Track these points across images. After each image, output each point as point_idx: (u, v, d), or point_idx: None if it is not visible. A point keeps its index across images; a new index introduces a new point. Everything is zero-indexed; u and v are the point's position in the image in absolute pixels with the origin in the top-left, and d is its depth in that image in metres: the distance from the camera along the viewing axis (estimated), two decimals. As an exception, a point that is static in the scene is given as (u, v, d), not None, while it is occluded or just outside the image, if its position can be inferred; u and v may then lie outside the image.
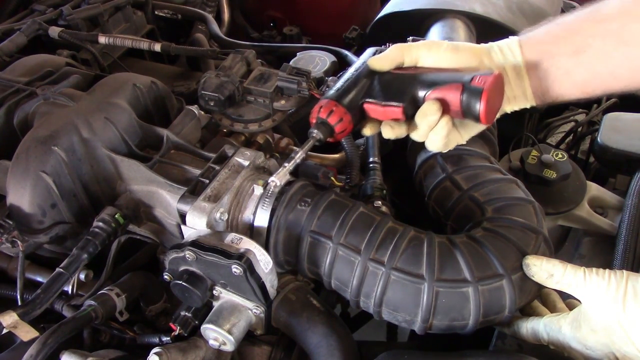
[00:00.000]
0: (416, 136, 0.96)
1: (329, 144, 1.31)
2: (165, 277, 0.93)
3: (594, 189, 1.24)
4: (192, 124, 1.17)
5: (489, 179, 1.01)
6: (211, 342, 0.91)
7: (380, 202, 1.09)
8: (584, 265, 0.80)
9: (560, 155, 1.22)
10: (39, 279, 1.11)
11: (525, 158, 1.22)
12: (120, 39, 1.56)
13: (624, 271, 0.76)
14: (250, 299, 0.91)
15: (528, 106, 0.99)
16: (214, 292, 0.93)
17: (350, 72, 1.00)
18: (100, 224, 1.00)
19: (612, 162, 1.28)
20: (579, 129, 1.67)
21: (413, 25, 1.54)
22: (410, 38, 1.44)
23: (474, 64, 0.94)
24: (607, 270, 0.78)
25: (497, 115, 0.95)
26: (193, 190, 0.95)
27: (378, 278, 0.87)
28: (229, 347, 0.91)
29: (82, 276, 1.06)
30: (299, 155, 0.95)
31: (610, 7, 0.89)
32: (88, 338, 1.03)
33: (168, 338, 0.96)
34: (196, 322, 0.94)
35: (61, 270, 0.96)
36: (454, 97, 0.88)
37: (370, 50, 1.05)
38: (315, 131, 0.96)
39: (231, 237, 0.89)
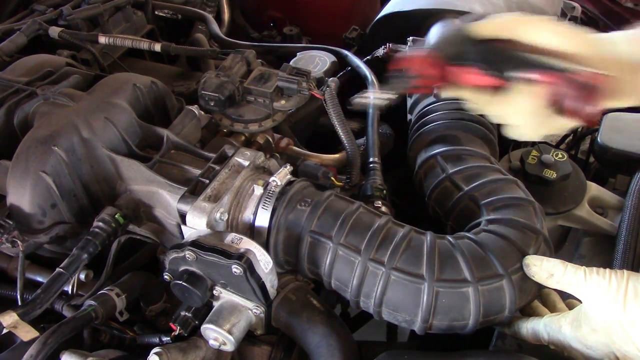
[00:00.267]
0: (503, 113, 0.90)
1: (329, 144, 1.31)
2: (165, 277, 0.93)
3: (594, 189, 1.24)
4: (192, 124, 1.17)
5: (489, 179, 1.01)
6: (211, 342, 0.91)
7: (380, 202, 1.09)
8: (584, 265, 0.80)
9: (560, 155, 1.22)
10: (39, 279, 1.11)
11: (525, 158, 1.22)
12: (120, 39, 1.56)
13: (625, 271, 0.76)
14: (250, 299, 0.91)
15: (632, 105, 0.90)
16: (214, 292, 0.93)
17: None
18: (100, 224, 1.00)
19: (612, 162, 1.28)
20: (579, 129, 1.67)
21: (413, 26, 1.53)
22: (410, 38, 1.44)
23: (582, 51, 0.83)
24: (607, 270, 0.78)
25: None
26: (193, 190, 0.95)
27: (378, 278, 0.87)
28: (229, 347, 0.91)
29: (82, 276, 1.06)
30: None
31: None
32: (88, 338, 1.03)
33: (168, 338, 0.96)
34: (196, 322, 0.94)
35: (61, 270, 0.96)
36: (561, 88, 0.80)
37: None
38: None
39: (231, 237, 0.89)
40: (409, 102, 1.29)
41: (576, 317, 0.81)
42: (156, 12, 1.95)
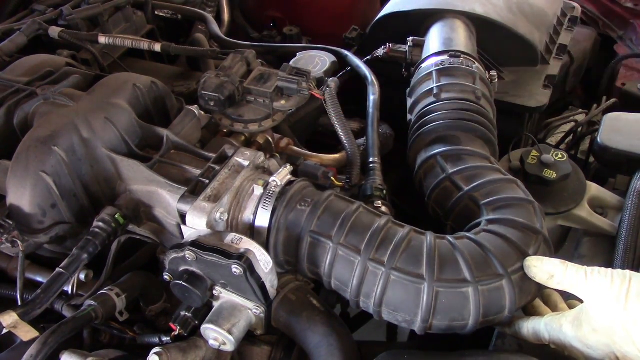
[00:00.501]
0: None
1: (329, 144, 1.31)
2: (165, 277, 0.93)
3: (594, 189, 1.24)
4: (192, 124, 1.17)
5: (489, 179, 1.01)
6: (211, 342, 0.91)
7: (380, 202, 1.09)
8: (584, 265, 0.80)
9: (560, 156, 1.22)
10: (39, 279, 1.11)
11: (525, 158, 1.23)
12: (120, 39, 1.56)
13: (627, 271, 0.76)
14: (251, 299, 0.91)
15: None
16: (214, 292, 0.93)
17: None
18: (100, 224, 1.00)
19: (612, 162, 1.28)
20: (579, 129, 1.68)
21: (413, 26, 1.54)
22: (410, 38, 1.44)
23: None
24: (609, 270, 0.78)
25: None
26: (193, 190, 0.95)
27: (378, 278, 0.87)
28: (229, 347, 0.91)
29: (82, 276, 1.06)
30: None
31: None
32: (88, 338, 1.03)
33: (168, 338, 0.96)
34: (196, 322, 0.94)
35: (61, 270, 0.96)
36: None
37: None
38: None
39: (231, 237, 0.89)
40: (409, 102, 1.29)
41: (577, 316, 0.80)
42: (156, 12, 1.95)
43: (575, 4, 1.84)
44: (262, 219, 0.94)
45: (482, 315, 0.85)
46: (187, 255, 0.87)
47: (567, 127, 1.80)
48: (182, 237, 0.97)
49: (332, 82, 1.25)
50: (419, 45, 1.43)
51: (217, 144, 1.18)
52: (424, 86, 1.26)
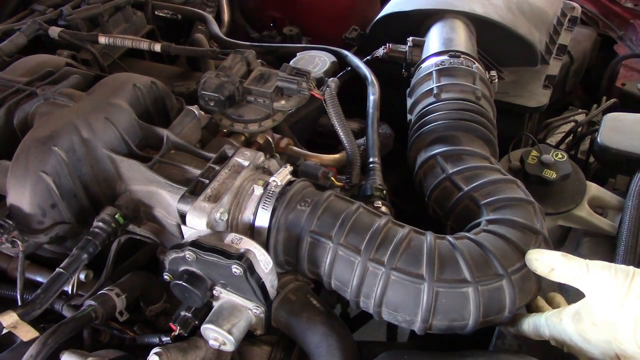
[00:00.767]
0: None
1: (329, 144, 1.31)
2: (165, 277, 0.93)
3: (593, 189, 1.24)
4: (192, 124, 1.17)
5: (489, 179, 1.01)
6: (211, 342, 0.91)
7: (380, 202, 1.09)
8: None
9: (560, 156, 1.22)
10: (39, 279, 1.11)
11: (525, 158, 1.23)
12: (120, 39, 1.56)
13: (631, 267, 0.76)
14: (250, 299, 0.91)
15: None
16: (214, 292, 0.93)
17: None
18: (100, 224, 1.00)
19: (612, 163, 1.28)
20: (579, 129, 1.67)
21: (413, 26, 1.54)
22: (410, 38, 1.44)
23: None
24: (613, 265, 0.77)
25: None
26: (193, 190, 0.95)
27: (378, 278, 0.87)
28: (229, 347, 0.91)
29: (82, 276, 1.06)
30: None
31: None
32: (88, 338, 1.03)
33: (168, 338, 0.96)
34: (196, 322, 0.94)
35: (61, 270, 0.96)
36: None
37: None
38: None
39: (231, 237, 0.89)
40: (409, 102, 1.29)
41: (578, 310, 0.80)
42: (156, 12, 1.95)
43: (575, 4, 1.84)
44: (262, 219, 0.94)
45: (482, 315, 0.85)
46: (187, 255, 0.87)
47: (567, 127, 1.80)
48: (182, 237, 0.97)
49: (332, 82, 1.25)
50: (419, 45, 1.43)
51: (217, 144, 1.18)
52: (424, 86, 1.26)
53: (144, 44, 1.55)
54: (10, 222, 0.99)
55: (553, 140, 1.77)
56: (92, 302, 0.97)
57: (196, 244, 0.87)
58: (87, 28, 1.68)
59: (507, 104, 1.46)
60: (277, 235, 0.94)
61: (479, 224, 0.95)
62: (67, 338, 0.91)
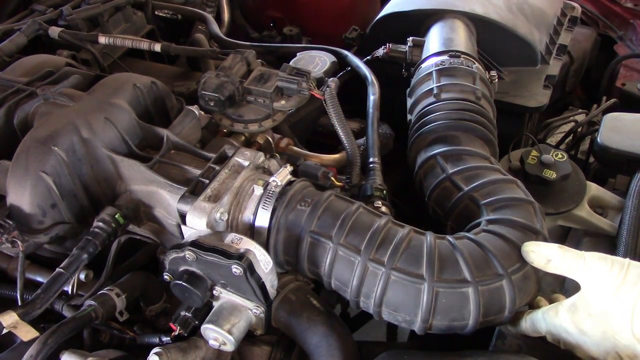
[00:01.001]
0: None
1: (329, 144, 1.31)
2: (165, 277, 0.93)
3: (593, 189, 1.24)
4: (192, 124, 1.17)
5: (489, 179, 1.01)
6: (211, 342, 0.91)
7: (380, 202, 1.09)
8: None
9: (560, 156, 1.22)
10: (39, 279, 1.11)
11: (525, 158, 1.23)
12: (120, 39, 1.56)
13: (627, 259, 0.76)
14: (250, 299, 0.91)
15: None
16: (214, 292, 0.93)
17: None
18: (100, 224, 1.00)
19: (612, 162, 1.28)
20: (579, 129, 1.67)
21: (413, 26, 1.54)
22: (410, 38, 1.44)
23: None
24: (609, 256, 0.77)
25: None
26: (193, 190, 0.95)
27: (378, 278, 0.87)
28: (229, 347, 0.91)
29: (82, 276, 1.06)
30: None
31: None
32: (88, 338, 1.03)
33: (168, 338, 0.96)
34: (196, 322, 0.94)
35: (61, 270, 0.96)
36: None
37: None
38: None
39: (231, 237, 0.89)
40: (409, 102, 1.29)
41: (574, 302, 0.80)
42: (156, 12, 1.95)
43: (575, 4, 1.84)
44: (262, 219, 0.94)
45: (482, 315, 0.85)
46: (187, 255, 0.87)
47: (567, 127, 1.80)
48: (182, 237, 0.97)
49: (332, 82, 1.25)
50: (419, 45, 1.43)
51: (217, 144, 1.18)
52: (424, 86, 1.26)
53: (144, 44, 1.55)
54: (10, 222, 0.99)
55: (553, 140, 1.77)
56: (92, 302, 0.97)
57: (196, 244, 0.87)
58: (87, 28, 1.68)
59: (507, 104, 1.46)
60: (277, 235, 0.94)
61: (479, 224, 0.95)
62: (67, 338, 0.91)
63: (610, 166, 1.33)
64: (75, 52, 1.57)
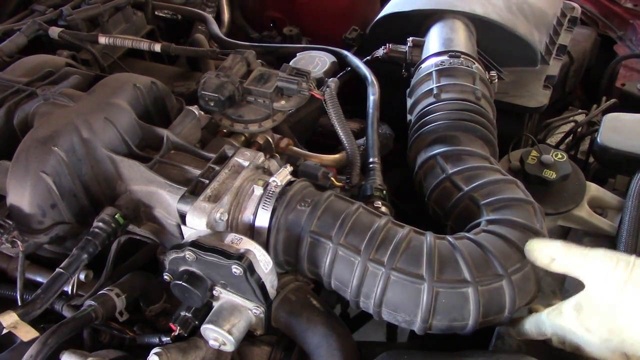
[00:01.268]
0: None
1: (329, 144, 1.30)
2: (165, 277, 0.93)
3: (593, 189, 1.24)
4: (192, 124, 1.17)
5: (489, 179, 1.01)
6: (211, 342, 0.91)
7: (380, 202, 1.09)
8: None
9: (560, 156, 1.22)
10: (39, 279, 1.11)
11: (525, 158, 1.23)
12: (120, 39, 1.56)
13: (633, 256, 0.74)
14: (250, 299, 0.91)
15: None
16: (214, 292, 0.93)
17: None
18: (100, 224, 1.00)
19: (612, 163, 1.28)
20: (579, 130, 1.67)
21: (413, 26, 1.54)
22: (410, 39, 1.44)
23: None
24: (615, 253, 0.75)
25: None
26: (193, 190, 0.95)
27: (378, 278, 0.87)
28: (229, 348, 0.91)
29: (82, 276, 1.06)
30: None
31: None
32: (88, 338, 1.03)
33: (168, 338, 0.96)
34: (196, 322, 0.94)
35: (61, 270, 0.96)
36: None
37: None
38: None
39: (231, 237, 0.89)
40: (409, 102, 1.29)
41: (578, 300, 0.79)
42: (156, 13, 1.95)
43: (575, 5, 1.84)
44: (262, 219, 0.94)
45: (482, 315, 0.85)
46: (187, 256, 0.87)
47: (566, 128, 1.80)
48: (182, 237, 0.97)
49: (332, 82, 1.25)
50: (419, 46, 1.43)
51: (217, 144, 1.18)
52: (423, 86, 1.26)
53: (144, 44, 1.55)
54: (10, 222, 0.99)
55: (553, 140, 1.77)
56: (92, 302, 0.97)
57: (196, 244, 0.87)
58: (87, 28, 1.68)
59: (507, 104, 1.46)
60: (277, 236, 0.94)
61: (478, 224, 0.95)
62: (67, 338, 0.91)
63: (610, 166, 1.33)
64: (75, 52, 1.57)
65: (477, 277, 0.84)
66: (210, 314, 0.92)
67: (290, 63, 1.31)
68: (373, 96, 1.34)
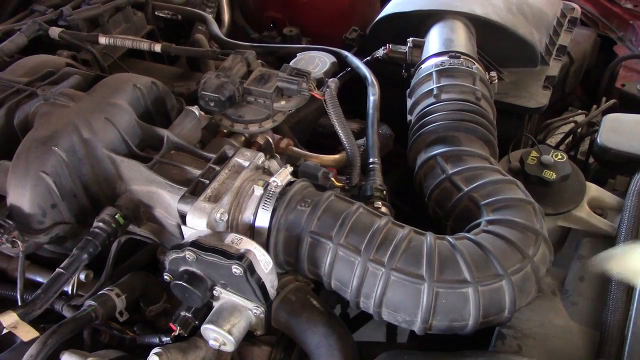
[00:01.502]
0: None
1: (329, 145, 1.31)
2: (166, 277, 0.93)
3: (593, 189, 1.24)
4: (193, 124, 1.17)
5: (489, 179, 1.01)
6: (211, 342, 0.91)
7: (380, 202, 1.09)
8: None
9: (559, 156, 1.22)
10: (39, 279, 1.11)
11: (525, 159, 1.23)
12: (120, 39, 1.56)
13: None
14: (251, 299, 0.91)
15: None
16: (214, 292, 0.93)
17: None
18: (101, 224, 1.00)
19: (612, 163, 1.29)
20: (579, 130, 1.67)
21: (413, 26, 1.54)
22: (410, 39, 1.44)
23: None
24: None
25: None
26: (193, 190, 0.95)
27: (378, 279, 0.87)
28: (229, 348, 0.91)
29: (82, 276, 1.06)
30: None
31: None
32: (88, 338, 1.03)
33: (168, 338, 0.96)
34: (196, 323, 0.94)
35: (61, 270, 0.96)
36: None
37: None
38: None
39: (231, 237, 0.89)
40: (409, 102, 1.30)
41: None
42: (156, 13, 1.95)
43: (575, 5, 1.84)
44: (262, 220, 0.94)
45: (482, 315, 0.85)
46: (187, 256, 0.87)
47: (566, 128, 1.80)
48: (182, 238, 0.97)
49: (332, 82, 1.25)
50: (419, 46, 1.43)
51: (217, 145, 1.18)
52: (423, 87, 1.26)
53: (144, 45, 1.55)
54: (11, 222, 0.99)
55: (553, 141, 1.77)
56: (92, 302, 0.97)
57: (196, 244, 0.87)
58: (88, 28, 1.68)
59: (507, 105, 1.46)
60: (277, 236, 0.94)
61: (478, 225, 0.95)
62: (67, 338, 0.91)
63: (610, 167, 1.33)
64: (75, 52, 1.57)
65: (477, 278, 0.84)
66: (211, 314, 0.92)
67: (291, 63, 1.31)
68: (373, 96, 1.34)
